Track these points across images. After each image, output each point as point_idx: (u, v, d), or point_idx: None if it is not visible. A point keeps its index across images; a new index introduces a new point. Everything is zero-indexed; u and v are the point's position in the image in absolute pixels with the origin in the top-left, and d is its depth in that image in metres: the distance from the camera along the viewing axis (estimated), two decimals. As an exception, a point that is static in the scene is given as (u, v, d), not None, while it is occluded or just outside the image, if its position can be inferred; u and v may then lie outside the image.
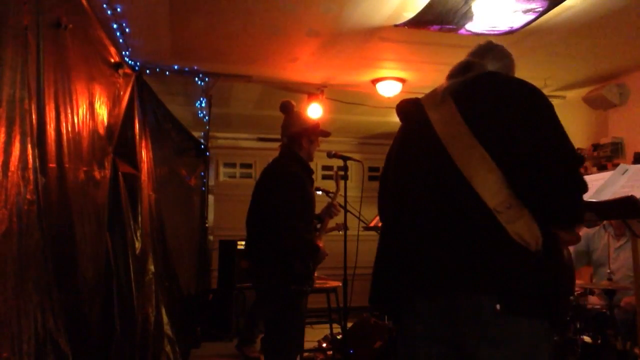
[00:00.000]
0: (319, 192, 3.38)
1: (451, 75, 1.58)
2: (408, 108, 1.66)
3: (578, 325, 3.13)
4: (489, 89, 1.46)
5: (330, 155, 3.19)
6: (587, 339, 3.10)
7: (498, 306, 1.26)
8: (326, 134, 3.06)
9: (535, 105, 1.39)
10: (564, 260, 1.56)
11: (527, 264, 1.30)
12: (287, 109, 3.03)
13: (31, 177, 1.85)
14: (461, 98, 1.46)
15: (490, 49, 1.66)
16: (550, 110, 1.39)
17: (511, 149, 1.34)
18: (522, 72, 1.54)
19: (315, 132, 2.99)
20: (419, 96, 1.65)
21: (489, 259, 1.30)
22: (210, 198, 6.58)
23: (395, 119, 1.70)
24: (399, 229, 1.51)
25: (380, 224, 3.95)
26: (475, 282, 1.30)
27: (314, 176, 3.03)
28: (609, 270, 3.52)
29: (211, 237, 6.59)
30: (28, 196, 1.82)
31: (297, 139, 2.94)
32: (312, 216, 2.96)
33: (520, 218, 1.31)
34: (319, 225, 3.08)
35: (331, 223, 3.32)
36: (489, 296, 1.28)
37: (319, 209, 3.07)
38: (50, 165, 2.07)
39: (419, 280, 1.39)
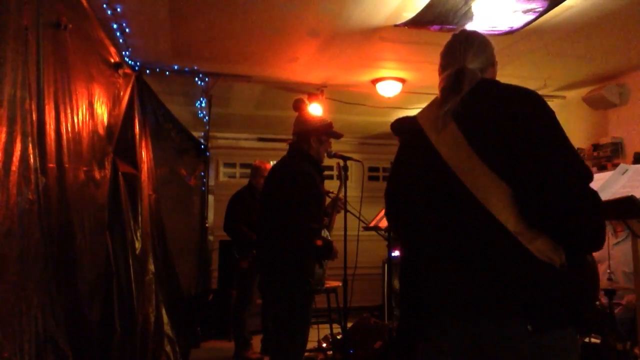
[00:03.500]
0: None
1: (445, 90, 1.52)
2: (406, 130, 1.62)
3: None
4: (490, 107, 1.41)
5: (330, 155, 3.18)
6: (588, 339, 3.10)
7: (530, 327, 1.26)
8: (337, 135, 3.01)
9: (538, 122, 1.35)
10: (588, 265, 1.56)
11: (555, 281, 1.29)
12: (298, 106, 3.02)
13: (32, 177, 1.86)
14: (463, 121, 1.42)
15: (469, 44, 1.56)
16: (551, 121, 1.36)
17: (520, 170, 1.31)
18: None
19: (325, 132, 2.95)
20: (414, 110, 1.60)
21: (516, 281, 1.29)
22: (210, 198, 6.58)
23: (395, 118, 1.69)
24: (420, 258, 1.48)
25: (380, 224, 3.95)
26: (504, 305, 1.29)
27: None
28: (609, 270, 3.53)
29: (211, 237, 6.58)
30: (29, 196, 1.82)
31: (306, 138, 2.92)
32: (323, 215, 2.96)
33: (541, 235, 1.30)
34: (327, 222, 3.08)
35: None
36: (519, 318, 1.27)
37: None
38: (50, 165, 2.07)
39: (447, 309, 1.38)
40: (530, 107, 1.38)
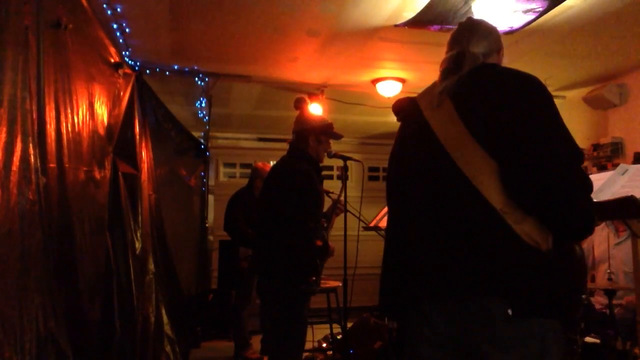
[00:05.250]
0: None
1: (445, 71, 1.53)
2: (405, 109, 1.63)
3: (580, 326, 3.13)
4: (486, 86, 1.41)
5: (330, 155, 3.18)
6: (588, 339, 3.10)
7: (510, 311, 1.24)
8: (336, 136, 3.01)
9: (532, 102, 1.35)
10: (577, 256, 1.54)
11: (539, 266, 1.27)
12: (299, 105, 3.03)
13: (32, 177, 1.86)
14: (459, 99, 1.42)
15: (474, 30, 1.57)
16: (548, 104, 1.35)
17: (510, 148, 1.30)
18: (502, 58, 1.54)
19: (324, 132, 2.95)
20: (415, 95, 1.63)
21: (499, 261, 1.28)
22: (210, 198, 6.58)
23: (395, 118, 1.70)
24: (404, 233, 1.48)
25: (380, 224, 3.95)
26: (485, 285, 1.28)
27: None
28: (609, 270, 3.53)
29: (211, 237, 6.58)
30: (30, 196, 1.82)
31: (305, 137, 2.92)
32: (321, 215, 2.96)
33: (528, 217, 1.29)
34: (326, 224, 3.08)
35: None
36: (500, 300, 1.25)
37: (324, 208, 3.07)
38: (51, 165, 2.07)
39: (427, 284, 1.38)
40: (525, 88, 1.38)
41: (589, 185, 1.32)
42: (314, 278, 2.78)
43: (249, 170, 7.70)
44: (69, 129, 2.32)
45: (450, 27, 3.64)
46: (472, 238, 1.31)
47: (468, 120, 1.37)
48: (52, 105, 2.12)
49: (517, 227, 1.27)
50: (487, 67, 1.50)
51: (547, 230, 1.31)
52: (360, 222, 3.94)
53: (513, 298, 1.25)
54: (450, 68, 1.51)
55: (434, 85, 1.57)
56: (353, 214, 3.67)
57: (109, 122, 3.03)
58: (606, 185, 2.12)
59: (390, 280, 1.53)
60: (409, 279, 1.43)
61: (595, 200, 1.99)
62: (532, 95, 1.36)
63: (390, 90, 5.13)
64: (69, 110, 2.32)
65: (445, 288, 1.34)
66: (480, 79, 1.45)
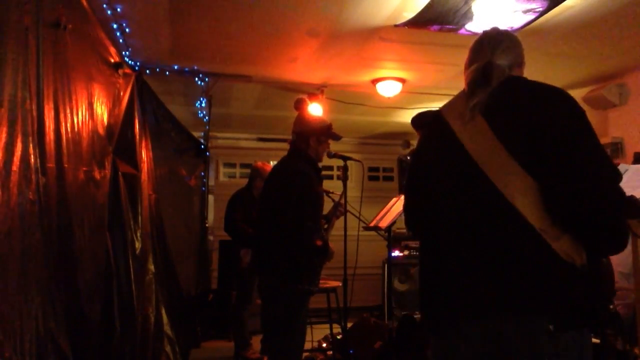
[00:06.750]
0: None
1: (472, 84, 1.51)
2: (429, 123, 1.60)
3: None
4: (519, 102, 1.40)
5: (330, 155, 3.19)
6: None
7: (551, 327, 1.26)
8: (336, 137, 3.02)
9: (570, 120, 1.34)
10: (604, 267, 1.56)
11: (576, 281, 1.29)
12: (299, 106, 3.04)
13: (32, 177, 1.86)
14: (490, 113, 1.40)
15: (499, 41, 1.58)
16: (582, 119, 1.35)
17: (551, 167, 1.30)
18: (522, 72, 1.53)
19: (324, 133, 2.97)
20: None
21: (538, 278, 1.28)
22: (210, 198, 6.58)
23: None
24: (440, 250, 1.46)
25: (380, 224, 3.96)
26: (525, 302, 1.29)
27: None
28: (608, 270, 3.52)
29: (211, 237, 6.59)
30: (30, 196, 1.82)
31: (305, 138, 2.93)
32: (320, 216, 2.96)
33: (565, 233, 1.29)
34: (326, 225, 3.08)
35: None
36: (540, 317, 1.27)
37: (324, 209, 3.07)
38: (50, 165, 2.06)
39: (466, 303, 1.37)
40: (560, 105, 1.37)
41: (625, 204, 1.35)
42: (311, 280, 2.78)
43: (248, 170, 7.67)
44: (69, 129, 2.32)
45: (451, 27, 3.64)
46: (511, 255, 1.31)
47: (503, 137, 1.35)
48: (52, 105, 2.12)
49: (555, 245, 1.28)
50: (516, 80, 1.49)
51: (581, 246, 1.31)
52: (360, 222, 3.94)
53: (554, 314, 1.27)
54: (477, 81, 1.49)
55: (459, 98, 1.55)
56: (353, 214, 3.67)
57: (108, 122, 3.03)
58: (606, 185, 2.12)
59: (429, 299, 1.52)
60: (448, 298, 1.42)
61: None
62: (569, 113, 1.36)
63: (390, 90, 5.13)
64: (68, 110, 2.32)
65: (484, 306, 1.33)
66: (512, 94, 1.43)
